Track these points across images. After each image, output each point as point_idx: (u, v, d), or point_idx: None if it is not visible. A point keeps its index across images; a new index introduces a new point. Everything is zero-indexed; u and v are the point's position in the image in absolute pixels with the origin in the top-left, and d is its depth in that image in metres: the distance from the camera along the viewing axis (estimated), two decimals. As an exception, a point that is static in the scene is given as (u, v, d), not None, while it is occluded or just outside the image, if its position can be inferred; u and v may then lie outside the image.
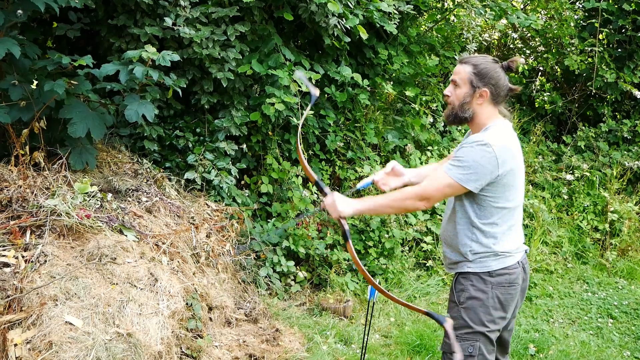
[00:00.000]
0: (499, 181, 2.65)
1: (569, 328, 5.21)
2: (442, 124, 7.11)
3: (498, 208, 2.71)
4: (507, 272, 2.77)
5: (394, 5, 5.59)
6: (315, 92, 3.40)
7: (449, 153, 6.77)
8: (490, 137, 2.64)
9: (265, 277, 5.02)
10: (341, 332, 4.62)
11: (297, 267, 5.30)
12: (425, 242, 5.92)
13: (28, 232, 3.61)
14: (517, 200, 2.78)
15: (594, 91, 8.37)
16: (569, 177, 7.60)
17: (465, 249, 2.78)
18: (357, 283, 5.34)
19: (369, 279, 2.83)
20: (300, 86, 4.91)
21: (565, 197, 7.43)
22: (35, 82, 4.13)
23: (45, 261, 3.45)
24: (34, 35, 4.60)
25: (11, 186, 3.81)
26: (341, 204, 2.78)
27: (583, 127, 8.26)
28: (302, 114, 5.16)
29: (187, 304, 3.85)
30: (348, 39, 5.49)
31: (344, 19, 5.14)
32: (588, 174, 7.60)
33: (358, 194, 5.02)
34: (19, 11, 3.75)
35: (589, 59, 8.40)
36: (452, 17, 8.00)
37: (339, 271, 5.39)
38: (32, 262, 3.41)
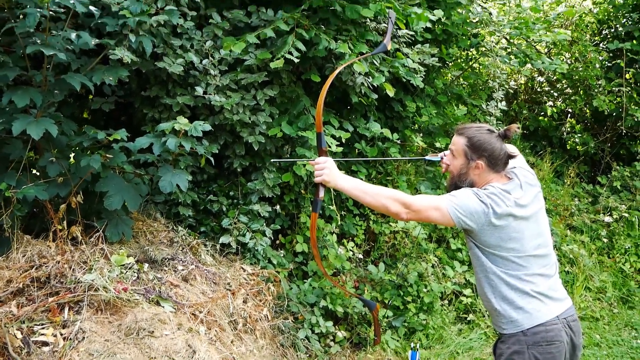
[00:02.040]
0: (498, 226, 2.67)
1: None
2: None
3: (509, 257, 2.69)
4: (544, 329, 2.68)
5: (418, 59, 5.63)
6: (387, 44, 3.35)
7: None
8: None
9: (304, 339, 4.95)
10: (384, 395, 4.52)
11: (336, 326, 5.23)
12: (464, 294, 5.81)
13: (66, 309, 3.63)
14: (535, 249, 2.74)
15: (625, 130, 8.27)
16: (608, 218, 7.46)
17: (491, 305, 2.75)
18: (397, 341, 5.24)
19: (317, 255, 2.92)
20: (330, 146, 4.93)
21: (605, 239, 7.27)
22: (72, 157, 4.22)
23: (84, 338, 3.45)
24: (70, 110, 4.73)
25: (50, 262, 3.85)
26: (331, 172, 2.75)
27: (617, 167, 8.14)
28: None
29: (227, 374, 3.81)
30: (375, 96, 5.53)
31: (370, 77, 5.18)
32: (627, 214, 7.45)
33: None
34: (56, 91, 3.86)
35: (618, 99, 8.33)
36: (478, 65, 8.03)
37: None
38: (70, 339, 3.42)
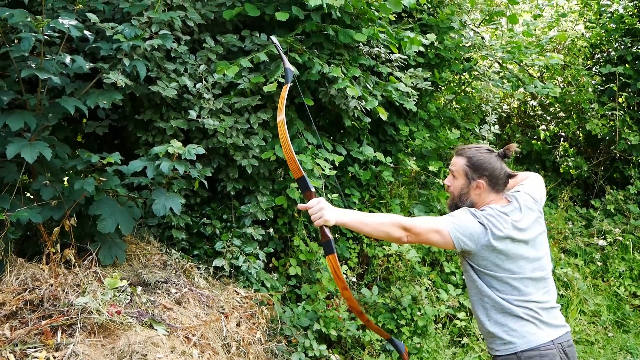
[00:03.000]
0: (496, 248, 2.67)
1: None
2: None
3: (504, 278, 2.69)
4: (538, 353, 2.67)
5: (411, 83, 5.68)
6: (290, 66, 3.23)
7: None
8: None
9: (298, 362, 4.93)
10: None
11: (330, 350, 5.20)
12: (458, 318, 5.80)
13: (59, 332, 3.62)
14: (531, 272, 2.74)
15: (618, 154, 8.32)
16: (602, 242, 7.47)
17: (484, 328, 2.75)
18: (392, 364, 5.23)
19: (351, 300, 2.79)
20: (323, 169, 4.96)
21: (599, 263, 7.28)
22: (66, 181, 4.23)
23: (77, 361, 3.44)
24: (64, 134, 4.76)
25: (43, 285, 3.85)
26: (327, 211, 2.65)
27: (611, 190, 8.17)
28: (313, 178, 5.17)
29: (219, 397, 3.79)
30: (369, 120, 5.58)
31: (363, 101, 5.23)
32: (621, 238, 7.46)
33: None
34: (50, 115, 3.89)
35: (611, 123, 8.40)
36: (471, 89, 8.10)
37: (372, 352, 5.29)
38: (63, 362, 3.41)
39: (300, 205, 2.75)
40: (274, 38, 3.40)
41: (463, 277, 2.95)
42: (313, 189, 2.78)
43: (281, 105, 3.03)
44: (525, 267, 2.72)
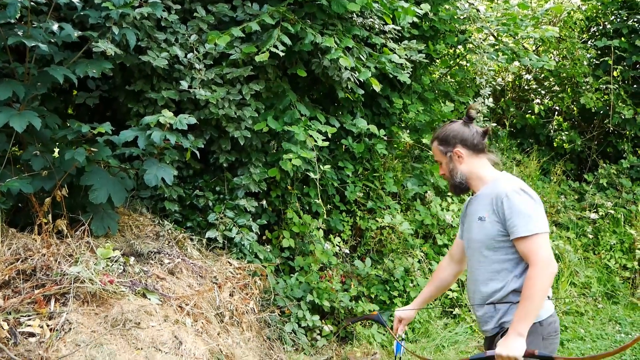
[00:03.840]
0: None
1: (605, 372, 5.05)
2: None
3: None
4: (553, 319, 2.70)
5: (405, 55, 5.64)
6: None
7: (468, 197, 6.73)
8: (512, 184, 2.67)
9: (291, 332, 4.96)
10: (370, 388, 4.53)
11: (323, 320, 5.24)
12: (450, 289, 5.83)
13: (52, 301, 3.63)
14: None
15: (612, 128, 8.32)
16: (594, 215, 7.51)
17: (508, 298, 2.70)
18: (384, 335, 5.26)
19: None
20: (316, 141, 4.94)
21: (591, 236, 7.32)
22: (57, 151, 4.21)
23: (70, 329, 3.45)
24: (54, 105, 4.72)
25: (35, 255, 3.84)
26: (511, 349, 2.49)
27: (604, 165, 8.19)
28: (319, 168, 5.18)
29: (212, 365, 3.82)
30: (362, 92, 5.55)
31: (356, 72, 5.20)
32: (612, 211, 7.50)
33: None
34: (39, 84, 3.85)
35: (605, 97, 8.38)
36: (465, 63, 8.06)
37: (364, 323, 5.32)
38: (56, 330, 3.42)
39: None
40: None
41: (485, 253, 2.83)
42: (489, 353, 2.63)
43: None
44: None
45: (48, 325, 3.47)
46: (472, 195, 2.94)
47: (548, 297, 2.68)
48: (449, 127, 2.87)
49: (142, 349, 3.51)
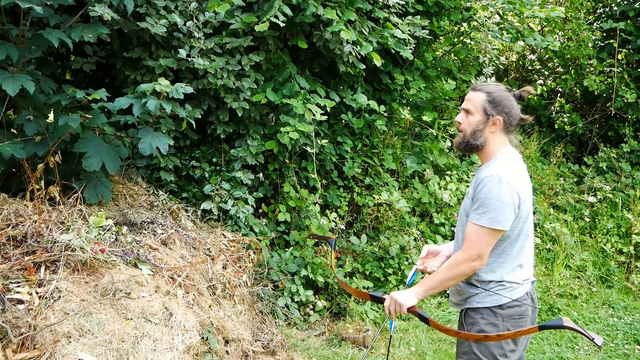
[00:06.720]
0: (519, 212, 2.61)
1: (595, 355, 5.05)
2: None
3: (505, 237, 2.65)
4: (517, 304, 2.69)
5: (409, 30, 5.55)
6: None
7: (467, 177, 6.69)
8: (501, 171, 2.60)
9: (284, 307, 4.95)
10: (361, 364, 4.52)
11: (316, 296, 5.23)
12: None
13: (42, 268, 3.59)
14: (524, 230, 2.71)
15: (614, 112, 8.25)
16: (592, 199, 7.47)
17: (474, 280, 2.72)
18: (377, 312, 5.25)
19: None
20: (314, 115, 4.88)
21: (588, 219, 7.29)
22: (51, 116, 4.14)
23: (59, 297, 3.42)
24: (50, 69, 4.64)
25: (26, 221, 3.80)
26: (402, 298, 2.69)
27: (604, 148, 8.14)
28: (317, 143, 5.12)
29: (202, 337, 3.79)
30: (363, 66, 5.47)
31: (358, 46, 5.11)
32: (611, 195, 7.46)
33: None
34: (33, 47, 3.76)
35: (609, 80, 8.30)
36: (469, 40, 7.96)
37: (358, 299, 5.31)
38: (46, 298, 3.39)
39: (387, 310, 2.78)
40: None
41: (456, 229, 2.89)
42: (382, 294, 2.82)
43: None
44: (526, 226, 2.73)
45: (37, 293, 3.44)
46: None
47: (519, 283, 2.71)
48: (506, 93, 2.72)
49: (131, 319, 3.47)
